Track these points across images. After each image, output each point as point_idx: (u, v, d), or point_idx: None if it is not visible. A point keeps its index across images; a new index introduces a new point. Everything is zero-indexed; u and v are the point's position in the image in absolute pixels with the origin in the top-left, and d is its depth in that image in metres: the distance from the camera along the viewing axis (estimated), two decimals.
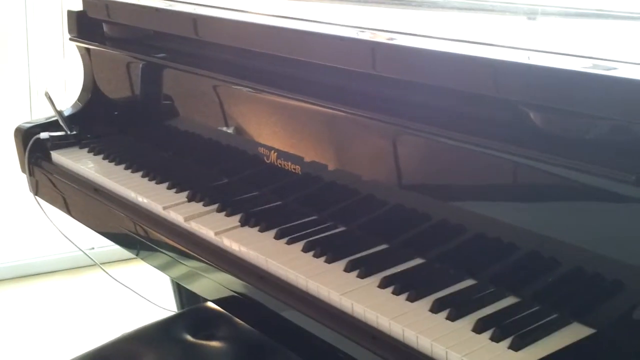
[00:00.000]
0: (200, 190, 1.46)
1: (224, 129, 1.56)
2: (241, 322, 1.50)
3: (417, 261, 1.16)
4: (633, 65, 1.00)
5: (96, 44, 1.84)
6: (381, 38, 1.29)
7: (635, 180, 0.90)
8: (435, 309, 1.03)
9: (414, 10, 1.72)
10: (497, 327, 0.97)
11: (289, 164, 1.39)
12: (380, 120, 1.23)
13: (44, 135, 1.78)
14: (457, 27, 1.52)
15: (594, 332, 0.96)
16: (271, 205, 1.39)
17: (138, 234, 1.48)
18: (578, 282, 1.00)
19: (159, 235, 1.40)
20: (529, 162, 1.03)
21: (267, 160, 1.43)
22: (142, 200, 1.49)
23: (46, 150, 1.79)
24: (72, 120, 1.83)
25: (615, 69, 0.97)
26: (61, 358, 1.51)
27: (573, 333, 0.96)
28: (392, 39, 1.27)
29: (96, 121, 1.86)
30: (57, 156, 1.77)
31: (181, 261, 1.36)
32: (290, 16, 1.50)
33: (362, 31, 1.34)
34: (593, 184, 0.96)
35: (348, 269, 1.15)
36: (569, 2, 1.53)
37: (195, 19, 1.61)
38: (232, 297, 1.25)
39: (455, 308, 1.02)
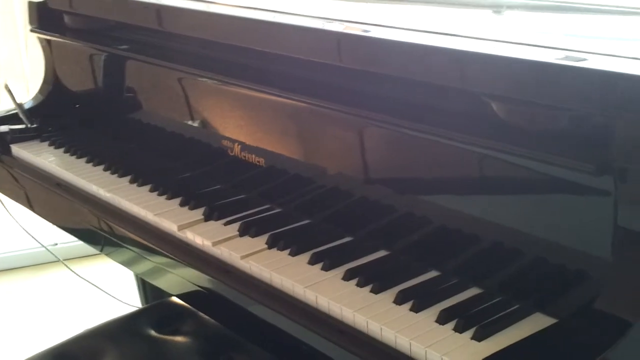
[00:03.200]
0: (163, 183, 1.44)
1: (187, 121, 1.54)
2: (206, 316, 1.48)
3: (382, 253, 1.16)
4: (597, 56, 1.00)
5: (57, 35, 1.81)
6: (347, 29, 1.28)
7: (595, 170, 0.91)
8: (399, 300, 1.03)
9: (380, 3, 1.72)
10: (460, 318, 0.97)
11: (253, 156, 1.38)
12: (345, 113, 1.23)
13: (3, 128, 1.75)
14: (422, 20, 1.52)
15: (555, 321, 0.96)
16: (235, 198, 1.38)
17: (101, 229, 1.46)
18: (540, 273, 1.00)
19: (122, 230, 1.38)
20: (491, 153, 1.03)
21: (231, 153, 1.42)
22: (103, 194, 1.47)
23: (6, 143, 1.75)
24: (32, 113, 1.80)
25: (583, 60, 0.97)
26: (23, 355, 1.48)
27: (535, 323, 0.96)
28: (357, 30, 1.26)
29: (57, 114, 1.83)
30: (18, 150, 1.73)
31: (145, 256, 1.35)
32: (255, 7, 1.48)
33: (329, 22, 1.33)
34: (554, 174, 0.97)
35: (312, 261, 1.15)
36: None
37: (158, 9, 1.58)
38: (196, 291, 1.24)
39: (418, 299, 1.02)
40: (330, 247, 1.19)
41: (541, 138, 0.99)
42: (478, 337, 0.94)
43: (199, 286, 1.23)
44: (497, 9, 1.52)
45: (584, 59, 0.98)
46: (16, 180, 1.71)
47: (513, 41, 1.11)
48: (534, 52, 1.04)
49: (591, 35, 1.31)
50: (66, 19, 1.84)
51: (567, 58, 0.99)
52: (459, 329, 0.96)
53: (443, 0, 1.67)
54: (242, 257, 1.18)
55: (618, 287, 0.90)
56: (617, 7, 1.40)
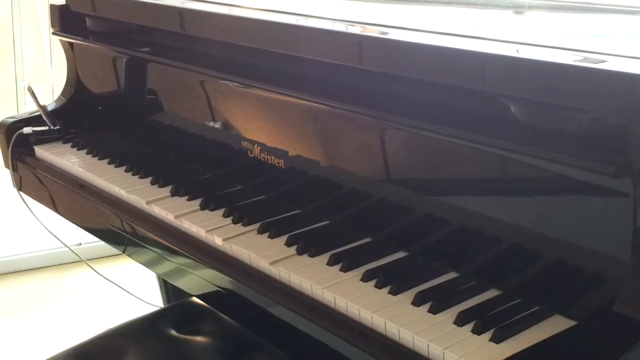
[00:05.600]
0: (183, 184, 1.45)
1: (208, 123, 1.55)
2: (226, 317, 1.49)
3: (400, 254, 1.16)
4: (617, 58, 1.00)
5: (79, 38, 1.83)
6: (368, 32, 1.28)
7: (614, 172, 0.90)
8: (417, 302, 1.03)
9: (402, 5, 1.72)
10: (478, 320, 0.97)
11: (273, 158, 1.38)
12: (364, 114, 1.23)
13: (27, 130, 1.76)
14: (444, 21, 1.52)
15: (575, 324, 0.96)
16: (255, 199, 1.39)
17: (123, 230, 1.47)
18: (559, 275, 1.00)
19: (144, 230, 1.40)
20: (511, 155, 1.03)
21: (251, 154, 1.43)
22: (125, 195, 1.48)
23: (29, 145, 1.78)
24: (55, 114, 1.82)
25: (603, 61, 0.97)
26: (46, 354, 1.50)
27: (554, 325, 0.96)
28: (378, 33, 1.26)
29: (80, 116, 1.85)
30: (41, 151, 1.75)
31: (166, 257, 1.36)
32: (276, 10, 1.49)
33: (350, 25, 1.33)
34: (573, 176, 0.96)
35: (331, 262, 1.15)
36: None
37: (180, 12, 1.60)
38: (216, 292, 1.25)
39: (437, 301, 1.02)
40: (349, 248, 1.19)
41: (560, 140, 0.98)
42: (496, 339, 0.94)
43: (218, 287, 1.24)
44: (519, 9, 1.52)
45: (604, 61, 0.98)
46: (40, 181, 1.73)
47: (534, 43, 1.11)
48: (555, 53, 1.04)
49: (612, 36, 1.30)
50: (88, 21, 1.86)
51: (586, 60, 0.99)
52: (477, 331, 0.96)
53: (465, 1, 1.67)
54: (262, 258, 1.19)
55: (637, 290, 0.89)
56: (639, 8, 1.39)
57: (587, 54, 1.02)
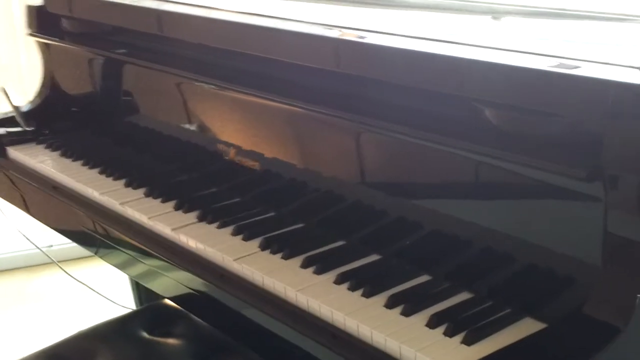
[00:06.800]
0: (157, 186, 1.44)
1: (183, 125, 1.55)
2: (198, 319, 1.49)
3: (373, 257, 1.17)
4: (591, 64, 1.01)
5: (56, 39, 1.82)
6: (345, 36, 1.29)
7: (585, 176, 0.91)
8: (390, 304, 1.03)
9: (379, 9, 1.73)
10: (450, 322, 0.97)
11: (248, 160, 1.38)
12: (340, 118, 1.24)
13: (0, 130, 1.75)
14: (421, 26, 1.53)
15: (545, 326, 0.96)
16: (229, 201, 1.38)
17: (96, 232, 1.46)
18: (530, 278, 1.01)
19: (116, 232, 1.39)
20: (483, 159, 1.04)
21: (226, 157, 1.42)
22: (98, 196, 1.47)
23: (2, 146, 1.76)
24: (29, 116, 1.80)
25: (576, 67, 0.97)
26: (16, 356, 1.48)
27: (525, 328, 0.97)
28: (355, 36, 1.27)
29: (54, 117, 1.84)
30: (14, 152, 1.74)
31: (139, 259, 1.35)
32: (253, 13, 1.49)
33: (327, 28, 1.34)
34: (545, 180, 0.97)
35: (305, 265, 1.15)
36: (532, 2, 1.55)
37: (157, 14, 1.59)
38: (189, 294, 1.25)
39: (409, 303, 1.02)
40: (322, 251, 1.19)
41: (532, 144, 0.99)
42: (468, 341, 0.94)
43: (191, 289, 1.23)
44: (496, 15, 1.53)
45: (578, 67, 0.99)
46: (12, 182, 1.71)
47: (509, 48, 1.11)
48: (528, 59, 1.04)
49: (588, 42, 1.31)
50: (64, 23, 1.84)
51: (561, 65, 1.00)
52: (449, 333, 0.96)
53: (443, 6, 1.68)
54: (235, 260, 1.19)
55: (607, 293, 0.90)
56: (616, 14, 1.41)
57: (561, 59, 1.03)
